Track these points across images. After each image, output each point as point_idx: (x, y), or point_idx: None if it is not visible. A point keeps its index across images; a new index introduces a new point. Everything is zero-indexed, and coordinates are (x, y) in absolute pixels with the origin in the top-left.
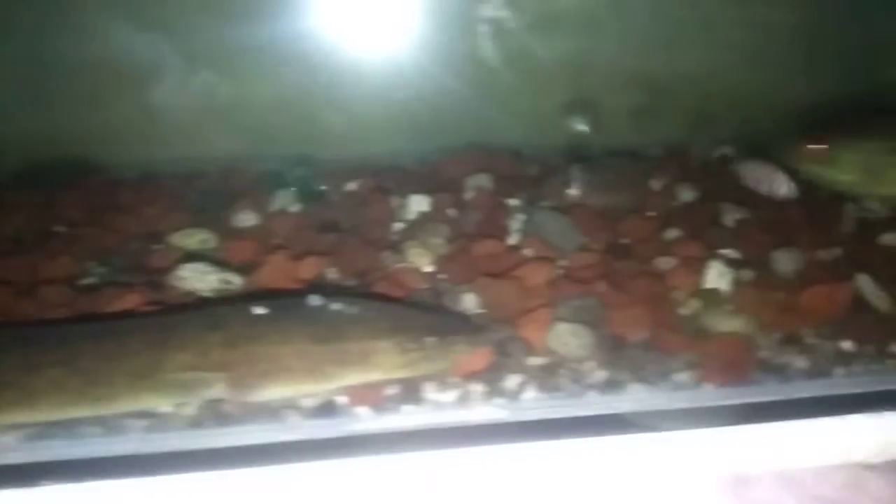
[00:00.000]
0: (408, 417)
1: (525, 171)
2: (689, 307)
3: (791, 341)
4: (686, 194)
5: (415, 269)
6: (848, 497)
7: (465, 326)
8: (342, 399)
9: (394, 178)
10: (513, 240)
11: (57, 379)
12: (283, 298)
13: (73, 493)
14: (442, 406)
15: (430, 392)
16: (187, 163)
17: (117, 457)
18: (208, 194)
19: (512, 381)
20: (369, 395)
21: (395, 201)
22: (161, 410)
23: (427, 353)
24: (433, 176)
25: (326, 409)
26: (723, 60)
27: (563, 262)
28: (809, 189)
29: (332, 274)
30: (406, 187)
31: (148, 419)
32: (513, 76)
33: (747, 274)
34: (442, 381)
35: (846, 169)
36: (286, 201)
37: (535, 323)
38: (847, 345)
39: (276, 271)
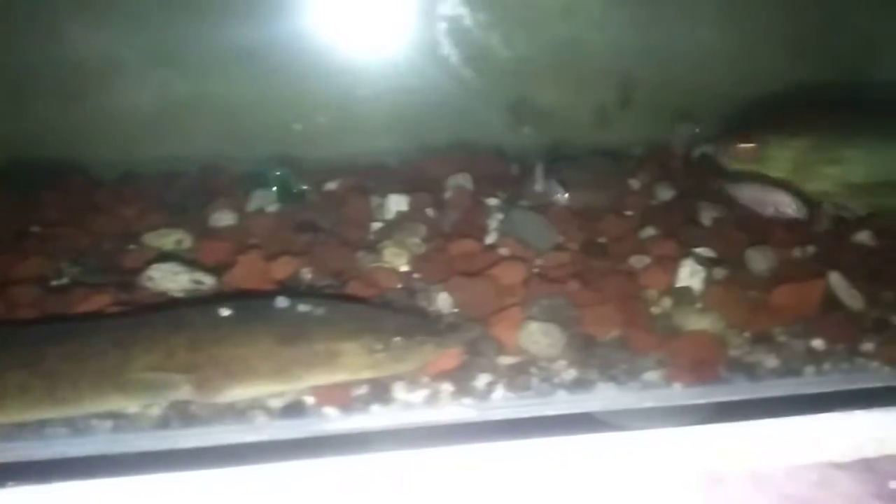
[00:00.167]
0: (376, 417)
1: (507, 171)
2: (661, 306)
3: (762, 340)
4: (665, 193)
5: (390, 269)
6: (819, 496)
7: (433, 326)
8: (310, 399)
9: (375, 178)
10: (490, 239)
11: (21, 381)
12: (251, 300)
13: (40, 494)
14: (411, 406)
15: (400, 392)
16: (169, 163)
17: (83, 457)
18: (187, 194)
19: (482, 380)
20: (337, 395)
21: (374, 201)
22: (128, 411)
23: (394, 354)
24: (415, 175)
25: (294, 409)
26: (700, 55)
27: (538, 262)
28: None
29: (307, 274)
30: (386, 187)
31: (114, 419)
32: (495, 75)
33: (720, 272)
34: (411, 380)
35: (775, 166)
36: (264, 201)
37: (506, 322)
38: (818, 343)
39: (249, 271)
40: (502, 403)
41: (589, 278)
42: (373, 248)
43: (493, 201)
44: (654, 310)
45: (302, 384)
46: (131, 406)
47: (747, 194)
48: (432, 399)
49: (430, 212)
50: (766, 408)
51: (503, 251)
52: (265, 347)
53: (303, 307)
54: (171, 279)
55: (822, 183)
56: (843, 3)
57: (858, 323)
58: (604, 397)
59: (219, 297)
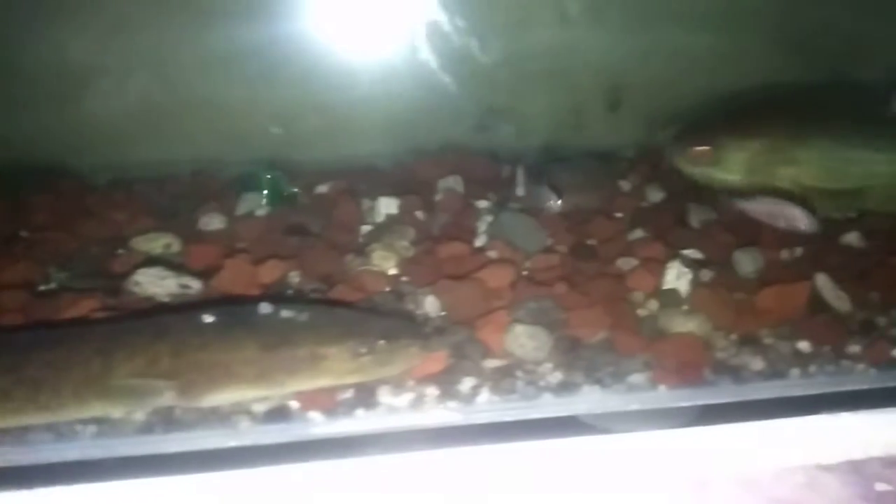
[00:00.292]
0: (361, 421)
1: (498, 173)
2: (648, 308)
3: (748, 342)
4: (655, 195)
5: (379, 272)
6: (805, 498)
7: (418, 330)
8: (294, 403)
9: (367, 181)
10: (480, 242)
11: (4, 387)
12: (234, 306)
13: (23, 499)
14: (396, 409)
15: (385, 395)
16: (161, 166)
17: (66, 462)
18: (178, 198)
19: (467, 383)
20: (322, 399)
21: (365, 204)
22: (112, 416)
23: (378, 358)
24: (406, 178)
25: (278, 413)
26: (692, 58)
27: (527, 264)
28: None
29: (295, 278)
30: (377, 190)
31: (98, 424)
32: (486, 78)
33: (707, 274)
34: (396, 384)
35: (730, 168)
36: (255, 204)
37: (493, 325)
38: (804, 345)
39: (236, 275)
40: (487, 407)
41: (577, 281)
42: (362, 251)
43: (483, 204)
44: (641, 312)
45: (286, 389)
46: (113, 412)
47: (758, 208)
48: (417, 403)
49: (419, 214)
50: (752, 410)
51: (492, 254)
52: (248, 354)
53: (286, 312)
54: (157, 284)
55: (777, 184)
56: (834, 5)
57: (845, 325)
58: (589, 400)
59: (205, 302)
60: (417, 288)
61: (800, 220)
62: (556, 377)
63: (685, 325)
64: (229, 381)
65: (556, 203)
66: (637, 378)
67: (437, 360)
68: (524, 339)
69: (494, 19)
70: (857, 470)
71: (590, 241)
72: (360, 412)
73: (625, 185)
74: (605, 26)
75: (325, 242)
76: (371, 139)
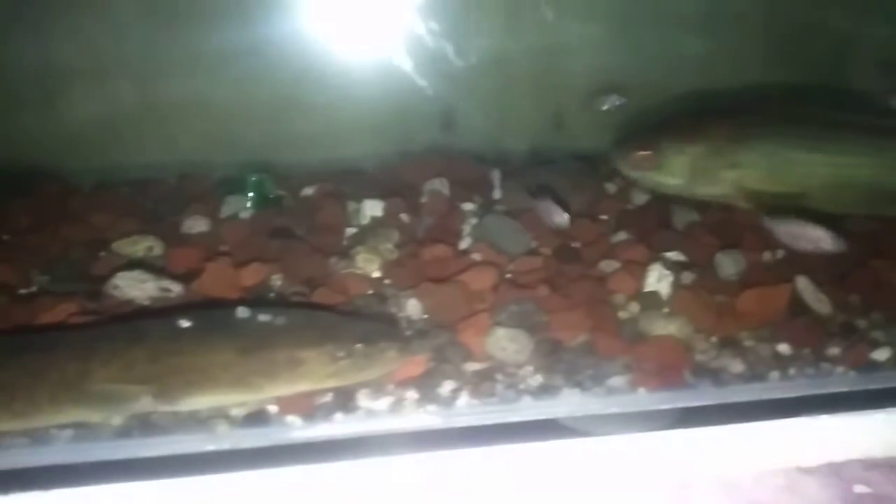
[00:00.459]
0: (340, 425)
1: (485, 175)
2: (629, 310)
3: (729, 344)
4: (640, 197)
5: (362, 275)
6: (785, 500)
7: (397, 333)
8: (273, 408)
9: (353, 183)
10: (464, 244)
11: None
12: (211, 310)
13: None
14: (375, 413)
15: (364, 399)
16: (147, 169)
17: (43, 467)
18: (163, 201)
19: (447, 387)
20: (300, 404)
21: (350, 206)
22: (89, 421)
23: (356, 361)
24: (393, 180)
25: (256, 418)
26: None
27: (510, 267)
28: None
29: (278, 281)
30: (363, 192)
31: (75, 429)
32: (474, 81)
33: (689, 276)
34: (376, 388)
35: (673, 173)
36: (239, 207)
37: (474, 328)
38: (784, 348)
39: (217, 279)
40: (466, 410)
41: (559, 283)
42: (346, 254)
43: (468, 206)
44: (623, 315)
45: (264, 394)
46: (92, 418)
47: (782, 230)
48: (396, 406)
49: (404, 217)
50: (732, 413)
51: (476, 256)
52: (225, 358)
53: (264, 316)
54: (136, 287)
55: (720, 188)
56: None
57: (825, 327)
58: (569, 403)
59: (185, 306)
60: (400, 291)
61: (825, 240)
62: (537, 380)
63: (666, 327)
64: (206, 386)
65: (564, 218)
66: (617, 381)
67: (418, 363)
68: (505, 342)
69: (479, 23)
70: (837, 472)
71: (574, 244)
72: (339, 416)
73: (610, 188)
74: (590, 29)
75: (309, 245)
76: (358, 141)
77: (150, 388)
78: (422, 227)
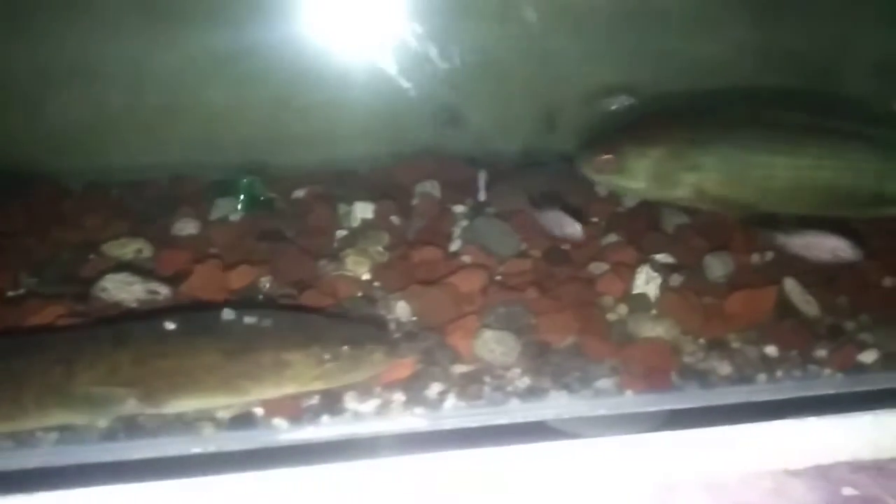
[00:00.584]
0: (326, 428)
1: (477, 178)
2: (618, 313)
3: (716, 346)
4: (630, 199)
5: (352, 277)
6: (773, 503)
7: (384, 335)
8: (259, 410)
9: (344, 185)
10: (454, 246)
11: None
12: (197, 312)
13: None
14: (362, 416)
15: (351, 402)
16: (139, 171)
17: (27, 470)
18: (153, 203)
19: (434, 389)
20: (287, 406)
21: (341, 208)
22: (74, 424)
23: (343, 364)
24: (384, 182)
25: (243, 420)
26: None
27: (500, 269)
28: None
29: (266, 283)
30: (355, 194)
31: (60, 431)
32: (470, 82)
33: (677, 279)
34: (363, 390)
35: (635, 176)
36: (229, 209)
37: (462, 330)
38: (771, 350)
39: (205, 281)
40: (454, 412)
41: (548, 285)
42: (336, 256)
43: (459, 208)
44: (611, 317)
45: (250, 396)
46: (77, 420)
47: (797, 242)
48: (384, 409)
49: (395, 219)
50: (719, 415)
51: (466, 259)
52: (211, 360)
53: (250, 319)
54: (124, 290)
55: (681, 190)
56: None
57: (812, 329)
58: (556, 405)
59: (172, 308)
60: (389, 293)
61: (843, 250)
62: (524, 382)
63: (653, 329)
64: (192, 388)
65: (577, 229)
66: (604, 383)
67: (406, 365)
68: (493, 345)
69: (470, 25)
70: (825, 475)
71: (563, 246)
72: (325, 418)
73: (601, 190)
74: (581, 32)
75: (299, 247)
76: (350, 143)
77: (136, 390)
78: (412, 230)
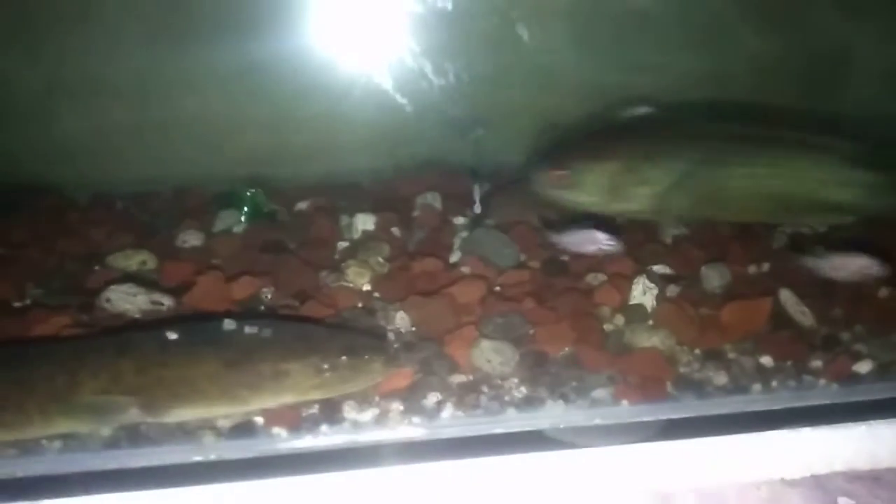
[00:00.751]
0: (325, 437)
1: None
2: (614, 323)
3: (712, 357)
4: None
5: (352, 288)
6: None
7: (382, 345)
8: (259, 419)
9: (346, 197)
10: (454, 258)
11: None
12: (198, 322)
13: None
14: (360, 425)
15: (349, 411)
16: (144, 184)
17: (31, 478)
18: (158, 215)
19: (432, 398)
20: (286, 415)
21: (343, 220)
22: (77, 431)
23: (341, 374)
24: (386, 194)
25: (243, 429)
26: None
27: (498, 280)
28: None
29: (268, 294)
30: (356, 206)
31: (63, 440)
32: (474, 95)
33: (674, 289)
34: (361, 400)
35: (587, 191)
36: (233, 221)
37: (460, 340)
38: (767, 360)
39: (208, 292)
40: (451, 422)
41: (545, 296)
42: (337, 267)
43: (460, 220)
44: (607, 327)
45: (249, 406)
46: (80, 429)
47: (826, 265)
48: (382, 418)
49: (396, 231)
50: (715, 425)
51: (465, 270)
52: (211, 370)
53: (250, 329)
54: (128, 300)
55: (634, 203)
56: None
57: (807, 340)
58: (552, 415)
59: (175, 319)
60: (389, 304)
61: (870, 266)
62: (521, 392)
63: (649, 340)
64: (192, 398)
65: (614, 245)
66: (601, 393)
67: (404, 375)
68: (490, 355)
69: (474, 38)
70: (821, 485)
71: (562, 257)
72: (324, 428)
73: None
74: (585, 45)
75: (300, 259)
76: (353, 156)
77: (138, 399)
78: (413, 241)
